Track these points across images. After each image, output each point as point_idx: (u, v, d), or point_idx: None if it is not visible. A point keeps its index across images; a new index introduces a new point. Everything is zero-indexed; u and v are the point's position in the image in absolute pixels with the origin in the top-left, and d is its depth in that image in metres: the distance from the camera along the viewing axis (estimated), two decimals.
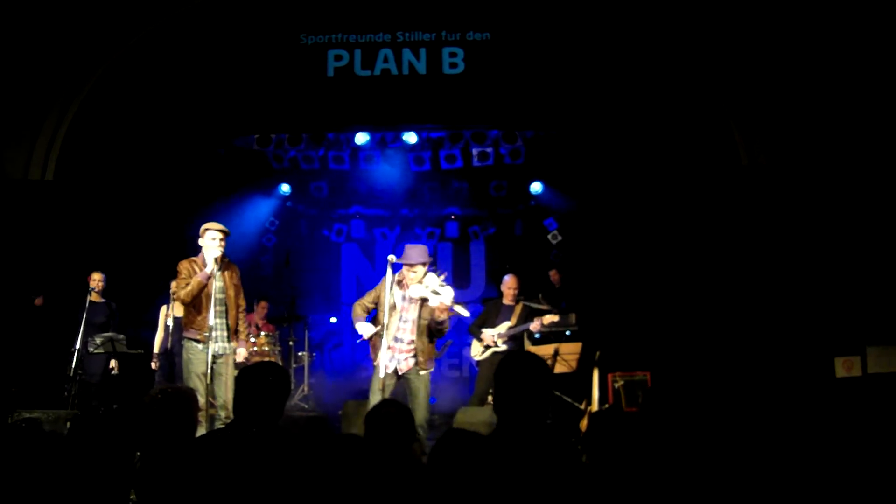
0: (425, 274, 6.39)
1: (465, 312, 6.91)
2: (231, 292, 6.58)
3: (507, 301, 8.51)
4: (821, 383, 7.83)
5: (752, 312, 8.43)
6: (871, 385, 7.67)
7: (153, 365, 8.70)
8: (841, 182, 8.39)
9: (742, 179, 8.82)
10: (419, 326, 6.38)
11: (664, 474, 2.83)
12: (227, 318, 6.52)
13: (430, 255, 6.55)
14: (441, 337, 6.70)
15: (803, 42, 8.53)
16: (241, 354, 6.75)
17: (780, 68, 8.65)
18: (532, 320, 8.18)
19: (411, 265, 6.35)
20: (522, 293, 8.56)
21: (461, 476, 2.71)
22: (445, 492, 2.72)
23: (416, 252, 6.40)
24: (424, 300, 6.36)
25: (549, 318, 8.13)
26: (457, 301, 6.53)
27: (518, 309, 8.36)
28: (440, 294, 6.26)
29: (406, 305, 6.43)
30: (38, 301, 8.45)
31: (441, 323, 6.34)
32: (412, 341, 6.38)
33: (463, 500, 2.68)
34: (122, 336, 8.87)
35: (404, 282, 6.44)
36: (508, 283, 8.55)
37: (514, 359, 3.22)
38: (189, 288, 6.35)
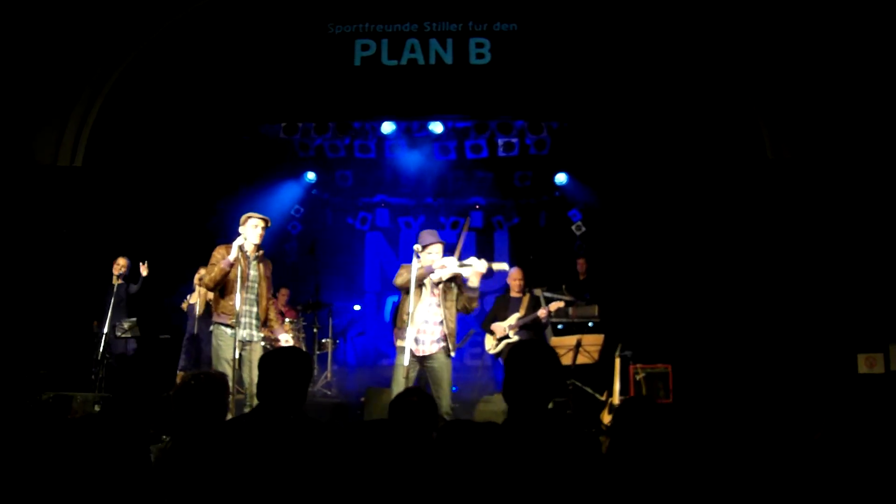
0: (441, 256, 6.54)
1: (504, 266, 7.01)
2: (263, 283, 6.67)
3: (514, 293, 8.55)
4: (843, 380, 7.80)
5: (775, 307, 8.40)
6: (893, 382, 7.64)
7: None
8: (866, 177, 8.32)
9: (767, 173, 8.77)
10: (447, 310, 6.46)
11: (684, 466, 2.85)
12: (257, 307, 6.59)
13: (442, 240, 6.64)
14: (470, 313, 6.80)
15: (831, 38, 8.46)
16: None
17: (807, 63, 8.59)
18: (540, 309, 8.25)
19: (426, 245, 6.47)
20: (544, 284, 8.60)
21: (464, 467, 2.73)
22: (449, 483, 2.74)
23: (429, 234, 6.62)
24: (454, 278, 6.47)
25: (555, 306, 8.25)
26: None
27: (525, 300, 8.41)
28: (469, 265, 6.41)
29: (434, 290, 6.51)
30: None
31: (474, 290, 6.51)
32: (439, 323, 6.43)
33: (469, 490, 2.71)
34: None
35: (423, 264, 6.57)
36: (514, 275, 8.59)
37: (522, 347, 3.25)
38: (213, 274, 6.41)
